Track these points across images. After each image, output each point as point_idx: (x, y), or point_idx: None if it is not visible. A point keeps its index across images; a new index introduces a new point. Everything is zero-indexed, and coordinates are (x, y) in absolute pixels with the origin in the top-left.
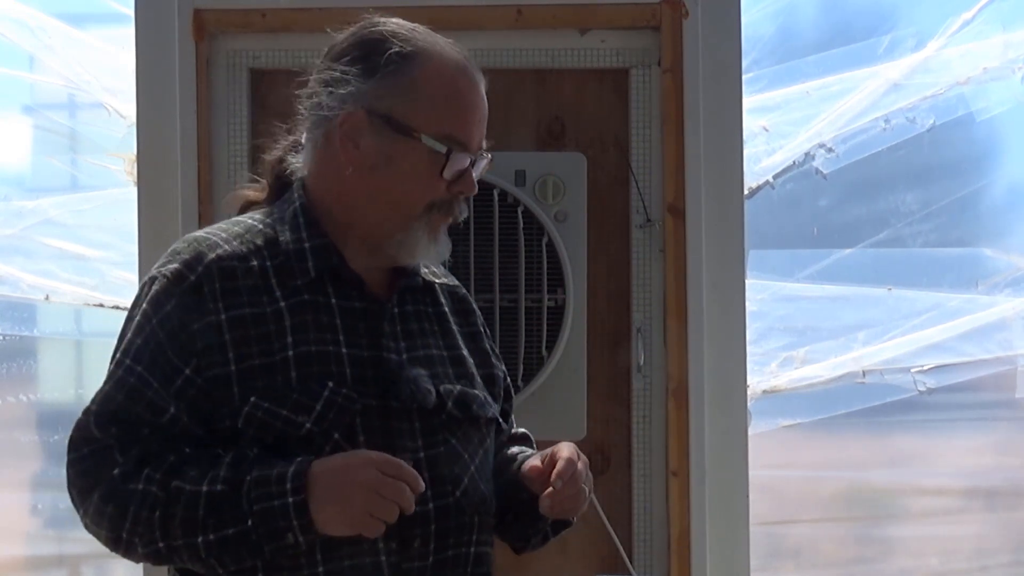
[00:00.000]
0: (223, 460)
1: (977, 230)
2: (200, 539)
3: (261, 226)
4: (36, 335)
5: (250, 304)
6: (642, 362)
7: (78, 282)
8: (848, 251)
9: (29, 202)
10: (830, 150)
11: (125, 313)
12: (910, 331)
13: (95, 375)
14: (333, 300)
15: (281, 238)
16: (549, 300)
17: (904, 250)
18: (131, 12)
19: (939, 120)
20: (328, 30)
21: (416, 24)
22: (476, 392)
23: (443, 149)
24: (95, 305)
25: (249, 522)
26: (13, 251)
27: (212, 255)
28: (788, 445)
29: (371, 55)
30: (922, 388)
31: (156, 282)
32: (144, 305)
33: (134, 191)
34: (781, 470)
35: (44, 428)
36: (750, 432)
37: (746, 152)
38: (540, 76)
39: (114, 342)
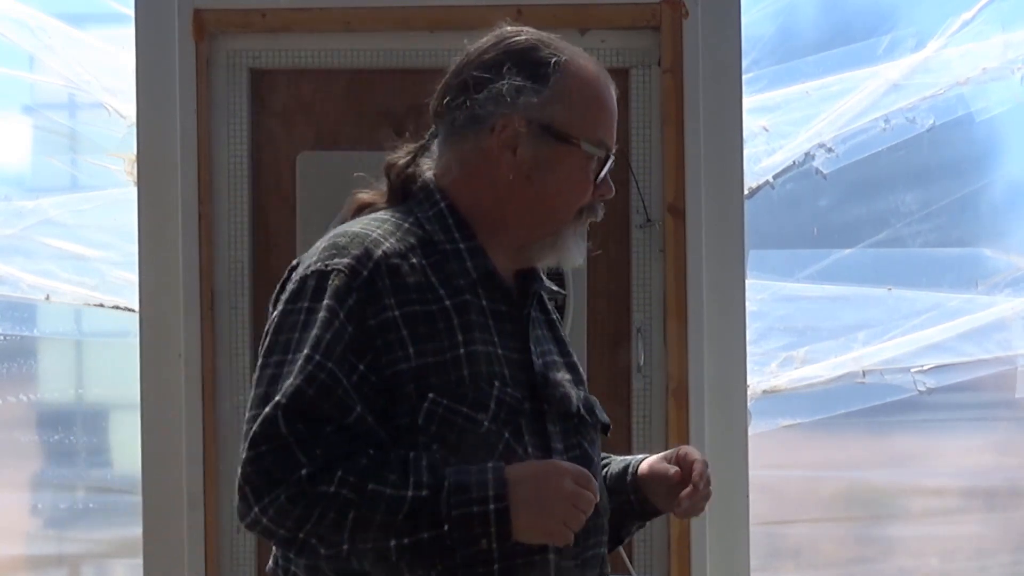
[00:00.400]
0: (420, 463)
1: (977, 230)
2: (393, 543)
3: (407, 225)
4: (36, 335)
5: (419, 301)
6: (642, 362)
7: (78, 282)
8: (848, 251)
9: (29, 202)
10: (830, 150)
11: (125, 313)
12: (910, 331)
13: (95, 375)
14: (483, 302)
15: (435, 238)
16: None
17: (904, 250)
18: (131, 12)
19: (939, 120)
20: (465, 40)
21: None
22: (595, 397)
23: (602, 155)
24: (95, 305)
25: (445, 527)
26: (13, 251)
27: (379, 251)
28: (788, 445)
29: (526, 63)
30: (922, 388)
31: (333, 276)
32: (327, 300)
33: (134, 191)
34: (781, 470)
35: (44, 428)
36: (750, 432)
37: (746, 152)
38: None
39: (114, 342)
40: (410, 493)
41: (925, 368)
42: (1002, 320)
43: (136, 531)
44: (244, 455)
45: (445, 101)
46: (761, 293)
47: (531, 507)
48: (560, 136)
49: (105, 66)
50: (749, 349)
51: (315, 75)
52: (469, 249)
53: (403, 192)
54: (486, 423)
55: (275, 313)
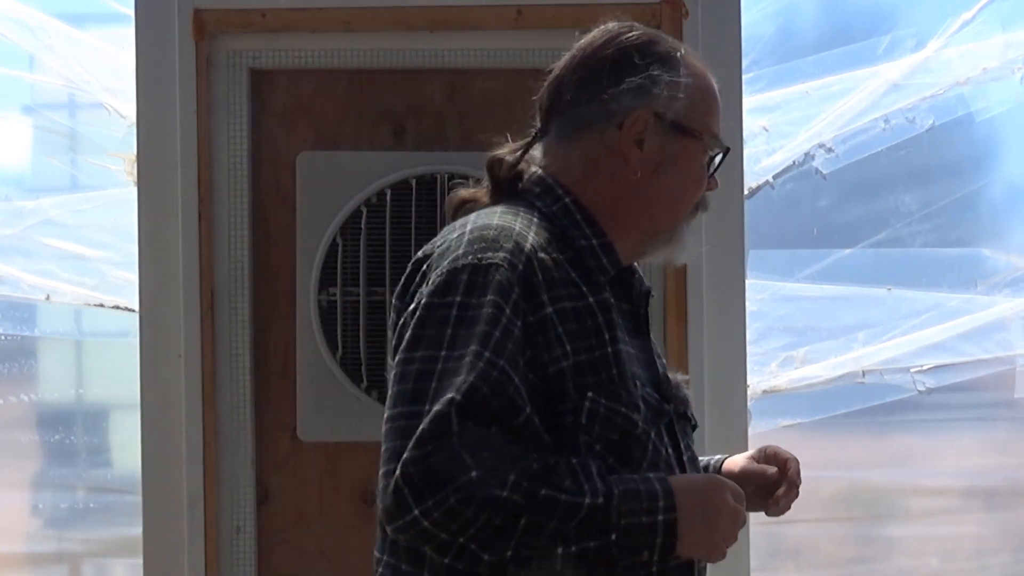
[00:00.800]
0: (589, 470)
1: (977, 230)
2: (560, 550)
3: (535, 219)
4: (36, 335)
5: (568, 297)
6: None
7: (78, 282)
8: (848, 251)
9: (29, 202)
10: (830, 150)
11: (125, 313)
12: (910, 331)
13: (95, 375)
14: (612, 300)
15: (568, 233)
16: None
17: (904, 250)
18: (131, 12)
19: (939, 120)
20: (577, 32)
21: None
22: None
23: (722, 148)
24: (95, 305)
25: (613, 536)
26: (13, 251)
27: (527, 245)
28: (788, 445)
29: (653, 58)
30: (922, 388)
31: (492, 271)
32: (490, 295)
33: (134, 191)
34: None
35: (44, 428)
36: (750, 432)
37: (746, 152)
38: (540, 76)
39: (114, 341)
40: (587, 500)
41: (925, 368)
42: (1002, 320)
43: (136, 531)
44: (407, 454)
45: (566, 97)
46: (761, 293)
47: (697, 520)
48: (686, 130)
49: (105, 66)
50: (749, 349)
51: (315, 75)
52: (601, 246)
53: (511, 189)
54: (640, 423)
55: (414, 307)
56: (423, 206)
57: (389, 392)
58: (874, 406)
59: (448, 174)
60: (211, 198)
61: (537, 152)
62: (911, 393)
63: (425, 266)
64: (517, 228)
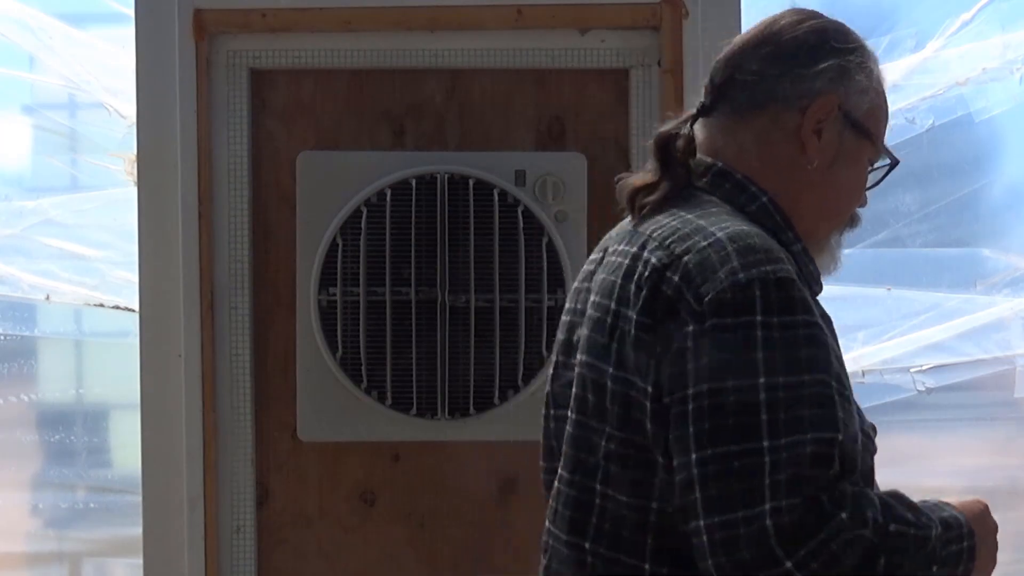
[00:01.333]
0: (905, 497)
1: (976, 230)
2: None
3: (748, 220)
4: (36, 335)
5: (816, 311)
6: None
7: (78, 282)
8: (848, 251)
9: (29, 202)
10: None
11: (125, 313)
12: (909, 331)
13: (95, 375)
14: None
15: (781, 237)
16: (549, 300)
17: (903, 250)
18: (131, 12)
19: (938, 120)
20: (771, 15)
21: None
22: None
23: (893, 159)
24: (95, 305)
25: (934, 568)
26: (13, 251)
27: (783, 254)
28: None
29: (845, 46)
30: (921, 388)
31: (787, 285)
32: (802, 315)
33: (134, 191)
34: None
35: (44, 428)
36: None
37: None
38: (540, 76)
39: (114, 341)
40: (933, 532)
41: (924, 368)
42: (1001, 320)
43: (136, 531)
44: (782, 501)
45: (751, 68)
46: None
47: (984, 545)
48: (863, 130)
49: (105, 66)
50: None
51: (315, 75)
52: (804, 250)
53: (685, 169)
54: (874, 442)
55: (695, 330)
56: (423, 206)
57: (691, 428)
58: (874, 406)
59: (448, 174)
60: (211, 198)
61: (699, 131)
62: (911, 393)
63: (676, 278)
64: (766, 233)
